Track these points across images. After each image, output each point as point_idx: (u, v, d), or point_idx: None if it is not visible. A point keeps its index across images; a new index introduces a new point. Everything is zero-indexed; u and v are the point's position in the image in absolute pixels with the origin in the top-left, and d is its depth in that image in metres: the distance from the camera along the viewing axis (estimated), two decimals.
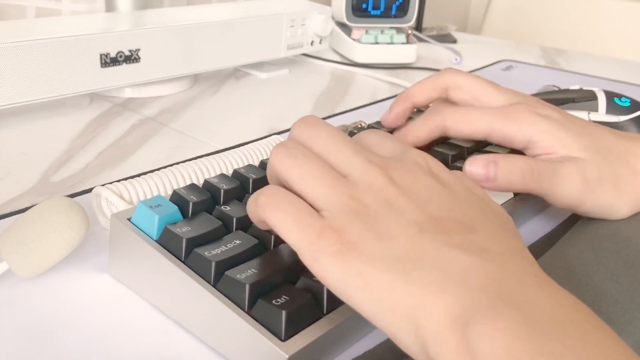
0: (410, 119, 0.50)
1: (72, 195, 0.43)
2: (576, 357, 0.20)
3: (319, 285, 0.28)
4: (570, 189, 0.37)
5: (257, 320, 0.27)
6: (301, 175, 0.26)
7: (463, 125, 0.40)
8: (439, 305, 0.22)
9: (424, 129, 0.41)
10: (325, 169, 0.26)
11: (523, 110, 0.39)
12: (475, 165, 0.37)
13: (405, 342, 0.23)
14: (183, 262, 0.30)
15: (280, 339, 0.26)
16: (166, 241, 0.31)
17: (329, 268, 0.24)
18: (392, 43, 0.85)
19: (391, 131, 0.47)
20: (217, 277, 0.29)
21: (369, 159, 0.27)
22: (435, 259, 0.23)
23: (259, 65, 0.78)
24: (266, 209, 0.26)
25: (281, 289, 0.28)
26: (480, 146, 0.47)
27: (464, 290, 0.22)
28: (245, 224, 0.33)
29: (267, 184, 0.37)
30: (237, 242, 0.31)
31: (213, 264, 0.29)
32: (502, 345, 0.20)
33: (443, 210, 0.25)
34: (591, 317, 0.22)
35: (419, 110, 0.52)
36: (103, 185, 0.38)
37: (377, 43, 0.84)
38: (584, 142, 0.38)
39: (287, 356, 0.26)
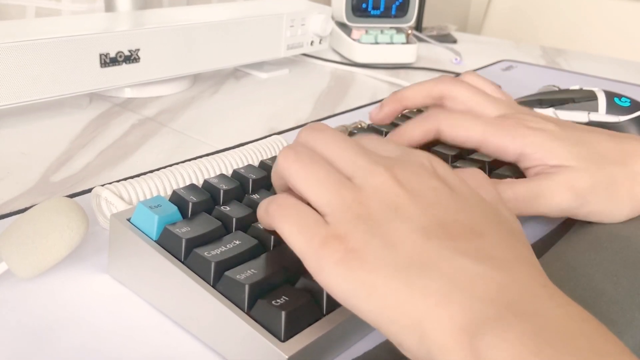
0: (407, 118, 0.50)
1: (72, 196, 0.43)
2: None
3: (319, 285, 0.28)
4: (560, 205, 0.37)
5: (256, 321, 0.27)
6: (306, 178, 0.26)
7: (457, 131, 0.40)
8: (444, 315, 0.22)
9: (419, 130, 0.41)
10: (330, 173, 0.26)
11: (514, 124, 0.39)
12: None
13: (411, 351, 0.22)
14: (182, 263, 0.30)
15: (279, 339, 0.26)
16: (166, 241, 0.31)
17: (333, 277, 0.24)
18: (392, 43, 0.85)
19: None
20: (217, 278, 0.29)
21: (374, 160, 0.27)
22: (441, 267, 0.23)
23: (259, 65, 0.78)
24: (275, 217, 0.26)
25: (281, 290, 0.28)
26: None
27: (472, 300, 0.22)
28: (245, 224, 0.33)
29: (267, 184, 0.37)
30: (237, 242, 0.31)
31: (213, 265, 0.29)
32: (510, 356, 0.20)
33: (449, 214, 0.25)
34: (601, 328, 0.22)
35: (418, 110, 0.52)
36: (103, 185, 0.38)
37: (377, 43, 0.84)
38: (576, 151, 0.38)
39: (287, 357, 0.26)
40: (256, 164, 0.44)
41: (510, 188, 0.38)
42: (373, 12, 0.86)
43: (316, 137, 0.28)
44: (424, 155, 0.28)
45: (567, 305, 0.22)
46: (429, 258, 0.23)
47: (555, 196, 0.37)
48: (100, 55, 0.57)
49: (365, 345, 0.30)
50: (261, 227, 0.32)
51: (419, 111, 0.52)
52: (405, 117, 0.51)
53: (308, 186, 0.26)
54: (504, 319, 0.21)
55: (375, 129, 0.48)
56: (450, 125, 0.40)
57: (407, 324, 0.22)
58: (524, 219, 0.43)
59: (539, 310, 0.22)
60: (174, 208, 0.32)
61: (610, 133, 0.40)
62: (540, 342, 0.20)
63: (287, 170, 0.27)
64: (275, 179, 0.30)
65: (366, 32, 0.85)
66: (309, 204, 0.26)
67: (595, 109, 0.54)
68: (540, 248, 0.39)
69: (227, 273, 0.28)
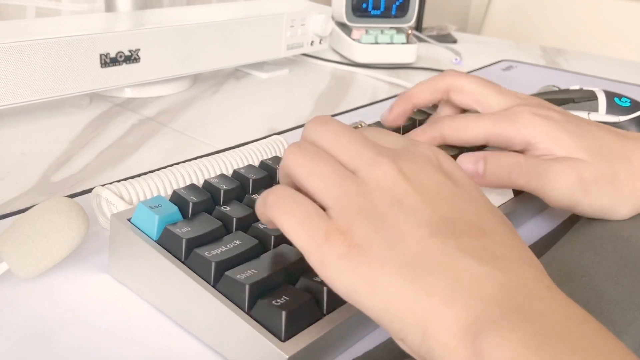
0: (411, 119, 0.50)
1: (72, 196, 0.43)
2: None
3: (319, 285, 0.28)
4: (564, 188, 0.37)
5: (257, 321, 0.27)
6: (309, 172, 0.26)
7: (461, 133, 0.40)
8: (448, 314, 0.22)
9: (423, 139, 0.41)
10: (334, 167, 0.26)
11: (522, 112, 0.39)
12: (465, 161, 0.38)
13: (413, 348, 0.22)
14: (183, 263, 0.30)
15: (280, 339, 0.26)
16: (166, 241, 0.31)
17: (336, 273, 0.23)
18: (392, 43, 0.85)
19: None
20: (217, 278, 0.29)
21: (378, 151, 0.26)
22: (446, 266, 0.23)
23: (259, 65, 0.78)
24: (274, 209, 0.25)
25: (281, 289, 0.28)
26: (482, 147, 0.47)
27: (475, 300, 0.22)
28: (245, 224, 0.33)
29: (267, 184, 0.37)
30: (237, 242, 0.31)
31: (213, 265, 0.29)
32: (513, 356, 0.20)
33: (455, 210, 0.25)
34: (601, 329, 0.22)
35: (419, 111, 0.52)
36: (103, 185, 0.38)
37: (377, 43, 0.84)
38: (583, 143, 0.38)
39: (287, 357, 0.26)
40: (256, 164, 0.44)
41: (524, 157, 0.38)
42: (373, 12, 0.86)
43: (321, 132, 0.28)
44: (430, 148, 0.28)
45: (570, 307, 0.22)
46: (433, 256, 0.23)
47: (563, 177, 0.37)
48: (101, 55, 0.57)
49: (365, 345, 0.30)
50: (261, 227, 0.32)
51: (422, 112, 0.52)
52: (412, 119, 0.51)
53: (311, 180, 0.26)
54: (508, 319, 0.21)
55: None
56: (454, 130, 0.40)
57: (410, 321, 0.22)
58: (525, 219, 0.43)
59: (542, 312, 0.22)
60: (175, 208, 0.32)
61: (612, 129, 0.40)
62: (543, 342, 0.20)
63: (292, 166, 0.27)
64: (281, 177, 0.29)
65: (366, 32, 0.85)
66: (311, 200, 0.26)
67: (595, 109, 0.54)
68: (540, 248, 0.39)
69: (227, 273, 0.28)
